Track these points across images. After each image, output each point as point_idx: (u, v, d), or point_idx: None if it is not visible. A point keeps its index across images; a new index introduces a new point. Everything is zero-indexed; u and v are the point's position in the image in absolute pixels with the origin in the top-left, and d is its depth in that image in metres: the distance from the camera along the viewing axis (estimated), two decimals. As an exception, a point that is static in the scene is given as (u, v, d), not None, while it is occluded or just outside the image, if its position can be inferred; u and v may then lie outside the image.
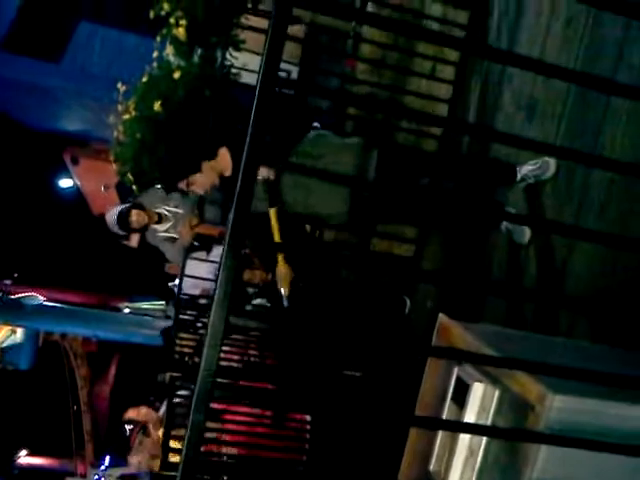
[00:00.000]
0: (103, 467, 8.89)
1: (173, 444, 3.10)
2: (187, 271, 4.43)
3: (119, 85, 5.18)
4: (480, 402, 1.46)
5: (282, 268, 3.09)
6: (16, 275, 10.29)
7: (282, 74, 6.22)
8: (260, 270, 4.51)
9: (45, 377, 9.68)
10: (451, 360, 1.59)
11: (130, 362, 10.38)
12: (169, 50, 4.82)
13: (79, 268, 11.57)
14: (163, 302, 8.69)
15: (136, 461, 3.70)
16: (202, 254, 4.51)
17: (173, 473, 2.99)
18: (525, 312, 3.13)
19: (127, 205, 4.19)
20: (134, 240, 4.35)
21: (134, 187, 4.95)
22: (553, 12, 3.21)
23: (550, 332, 2.73)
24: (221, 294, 1.08)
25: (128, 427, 3.56)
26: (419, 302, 4.27)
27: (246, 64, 4.75)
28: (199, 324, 4.33)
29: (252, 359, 4.24)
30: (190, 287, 4.72)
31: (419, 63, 4.63)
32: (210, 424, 3.39)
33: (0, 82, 9.69)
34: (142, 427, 3.61)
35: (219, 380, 1.13)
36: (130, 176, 4.91)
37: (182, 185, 3.11)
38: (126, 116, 4.91)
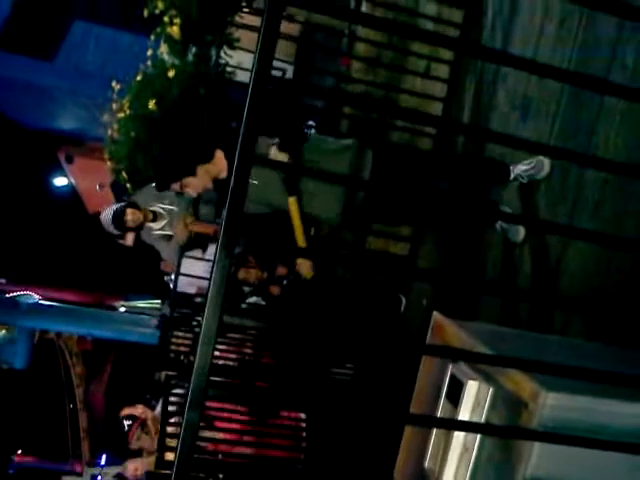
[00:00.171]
0: (100, 466, 8.89)
1: (169, 442, 3.10)
2: (182, 269, 4.42)
3: (113, 83, 5.16)
4: (474, 400, 1.47)
5: (304, 259, 3.08)
6: (11, 274, 10.26)
7: (277, 73, 6.22)
8: (255, 269, 4.51)
9: (40, 376, 9.66)
10: (445, 358, 1.60)
11: (126, 361, 10.37)
12: (163, 49, 4.82)
13: (74, 267, 11.55)
14: (159, 301, 8.68)
15: (132, 467, 3.70)
16: (197, 252, 4.50)
17: (168, 472, 2.99)
18: (520, 311, 3.14)
19: (122, 204, 4.19)
20: (129, 239, 4.34)
21: (128, 185, 4.94)
22: (547, 12, 3.21)
23: (544, 330, 2.75)
24: (215, 292, 1.08)
25: (127, 422, 3.55)
26: (414, 301, 4.28)
27: (241, 62, 4.75)
28: (194, 322, 4.33)
29: (247, 358, 4.24)
30: (185, 285, 4.71)
31: (414, 62, 4.64)
32: (205, 423, 3.39)
33: (-6, 80, 9.66)
34: (141, 423, 3.60)
35: (214, 378, 1.13)
36: (125, 174, 4.90)
37: (176, 187, 3.10)
38: (120, 114, 4.91)
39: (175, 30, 4.66)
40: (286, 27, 5.48)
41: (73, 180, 12.78)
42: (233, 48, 4.88)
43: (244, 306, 4.57)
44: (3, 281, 9.87)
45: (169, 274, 5.03)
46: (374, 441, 3.13)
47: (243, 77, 4.75)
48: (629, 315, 2.41)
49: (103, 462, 9.15)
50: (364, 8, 5.89)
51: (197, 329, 4.10)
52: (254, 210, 3.00)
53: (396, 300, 4.34)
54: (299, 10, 5.60)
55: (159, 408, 3.89)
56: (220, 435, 3.40)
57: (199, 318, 4.21)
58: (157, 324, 4.84)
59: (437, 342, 1.69)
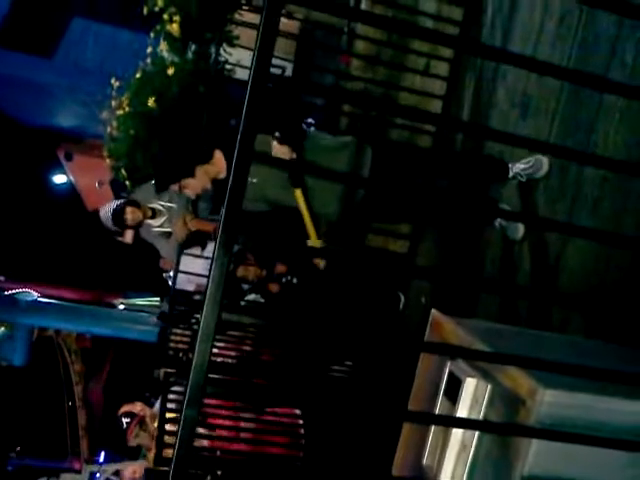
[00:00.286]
0: (98, 463, 8.89)
1: (167, 439, 3.10)
2: (181, 267, 4.42)
3: (113, 81, 5.16)
4: (472, 397, 1.47)
5: (316, 243, 3.07)
6: (10, 271, 10.25)
7: (277, 70, 6.21)
8: (254, 266, 4.51)
9: (39, 373, 9.66)
10: (443, 355, 1.60)
11: (125, 358, 10.37)
12: (163, 46, 4.81)
13: (73, 264, 11.55)
14: (158, 298, 8.68)
15: (131, 470, 3.70)
16: (196, 250, 4.50)
17: (167, 468, 2.99)
18: (519, 308, 3.14)
19: (121, 202, 4.18)
20: (128, 236, 4.35)
21: (128, 183, 4.94)
22: (546, 9, 3.21)
23: (543, 328, 2.75)
24: (213, 289, 1.08)
25: (125, 420, 3.55)
26: (413, 298, 4.29)
27: (240, 60, 4.74)
28: (193, 320, 4.33)
29: (246, 355, 4.25)
30: (184, 283, 4.71)
31: (413, 59, 4.64)
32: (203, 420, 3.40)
33: (-7, 78, 9.64)
34: (140, 421, 3.61)
35: (212, 376, 1.13)
36: (124, 172, 4.90)
37: (175, 188, 3.11)
38: (120, 112, 4.90)
39: (174, 27, 4.66)
40: (285, 25, 5.48)
41: (72, 177, 12.77)
42: (232, 46, 4.87)
43: (243, 304, 4.58)
44: (2, 278, 9.86)
45: (168, 271, 5.03)
46: (372, 438, 3.14)
47: (242, 75, 4.74)
48: (628, 313, 2.41)
49: (102, 459, 9.15)
50: (363, 5, 5.89)
51: (196, 326, 4.10)
52: (253, 208, 3.00)
53: (395, 298, 4.35)
54: (298, 7, 5.60)
55: (158, 405, 3.89)
56: (218, 432, 3.40)
57: (198, 315, 4.21)
58: (158, 319, 4.84)
59: (435, 339, 1.69)
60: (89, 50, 10.10)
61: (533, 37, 3.29)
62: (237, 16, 4.84)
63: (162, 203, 4.19)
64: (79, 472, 8.94)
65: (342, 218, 3.13)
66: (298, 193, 2.91)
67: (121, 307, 9.94)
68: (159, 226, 4.23)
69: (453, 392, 1.51)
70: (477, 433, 1.45)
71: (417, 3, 4.87)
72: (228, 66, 4.95)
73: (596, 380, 1.29)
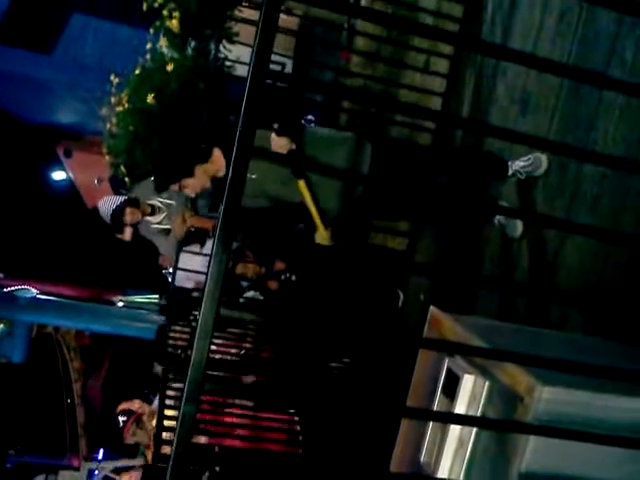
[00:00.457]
0: (97, 460, 8.90)
1: (165, 436, 3.11)
2: (180, 264, 4.42)
3: (112, 77, 5.15)
4: (470, 393, 1.47)
5: (323, 233, 3.06)
6: (9, 268, 10.25)
7: (276, 67, 6.20)
8: (253, 264, 4.51)
9: (38, 370, 9.66)
10: (442, 352, 1.60)
11: (123, 355, 10.38)
12: (162, 42, 4.81)
13: (73, 261, 11.54)
14: (157, 295, 8.68)
15: (127, 478, 3.71)
16: (195, 247, 4.50)
17: (165, 465, 2.98)
18: (517, 305, 3.14)
19: (121, 202, 4.16)
20: (127, 233, 4.34)
21: (127, 179, 4.94)
22: (546, 6, 3.21)
23: (542, 325, 2.75)
24: (212, 286, 1.08)
25: (122, 418, 3.55)
26: (412, 295, 4.29)
27: (239, 57, 4.73)
28: (191, 317, 4.33)
29: (246, 352, 4.25)
30: (183, 280, 4.71)
31: (413, 56, 4.63)
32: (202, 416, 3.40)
33: (-8, 74, 9.63)
34: (136, 419, 3.61)
35: (211, 373, 1.13)
36: (123, 168, 4.90)
37: (175, 188, 3.10)
38: (119, 108, 4.90)
39: (174, 24, 4.65)
40: (285, 21, 5.47)
41: (71, 174, 12.76)
42: (232, 42, 4.86)
43: (242, 301, 4.58)
44: (1, 275, 9.85)
45: (167, 268, 5.03)
46: (371, 435, 3.14)
47: (242, 71, 4.73)
48: (627, 310, 2.42)
49: (100, 457, 9.16)
50: (363, 2, 5.88)
51: (194, 323, 4.10)
52: (252, 205, 2.99)
53: (394, 295, 4.35)
54: (298, 4, 5.59)
55: (157, 402, 3.90)
56: (215, 429, 3.41)
57: (196, 312, 4.21)
58: (160, 311, 4.84)
59: (434, 336, 1.69)
60: (88, 46, 10.09)
61: (533, 34, 3.28)
62: (237, 12, 4.84)
63: (161, 200, 4.18)
64: (78, 469, 8.95)
65: (342, 214, 3.12)
66: (301, 184, 2.88)
67: (120, 304, 9.94)
68: (158, 223, 4.22)
69: (451, 389, 1.51)
70: (475, 430, 1.45)
71: (417, 0, 4.86)
72: (228, 63, 4.95)
73: (594, 377, 1.29)
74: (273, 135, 2.76)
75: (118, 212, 4.08)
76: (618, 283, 2.53)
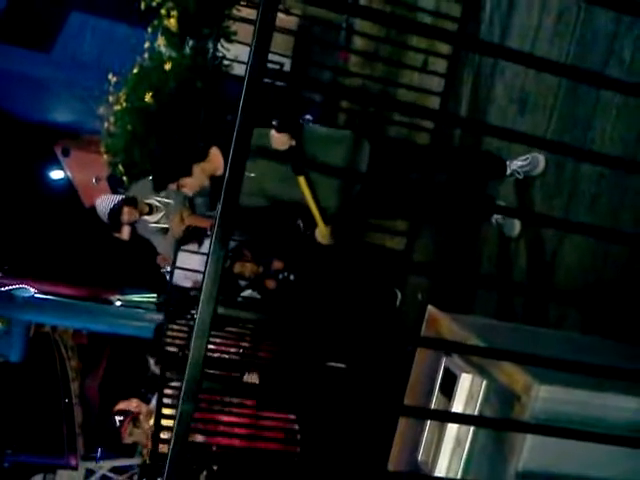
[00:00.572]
0: (95, 460, 8.89)
1: (163, 435, 3.11)
2: (178, 263, 4.42)
3: (110, 76, 5.14)
4: (467, 392, 1.47)
5: (323, 230, 3.06)
6: (6, 267, 10.23)
7: (275, 66, 6.20)
8: (251, 263, 4.51)
9: (36, 369, 9.65)
10: (439, 351, 1.60)
11: (121, 354, 10.36)
12: (160, 41, 4.80)
13: (70, 260, 11.52)
14: (155, 295, 8.67)
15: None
16: (193, 246, 4.50)
17: (162, 463, 2.98)
18: (515, 304, 3.15)
19: (119, 201, 4.16)
20: (125, 232, 4.33)
21: (125, 178, 4.93)
22: (545, 6, 3.21)
23: (540, 324, 2.75)
24: (209, 285, 1.08)
25: (118, 418, 3.55)
26: (410, 295, 4.29)
27: (238, 56, 4.73)
28: (188, 316, 4.33)
29: (244, 351, 4.25)
30: (181, 279, 4.71)
31: (411, 56, 4.63)
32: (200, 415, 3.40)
33: (-10, 72, 9.61)
34: (133, 418, 3.61)
35: (209, 371, 1.13)
36: (121, 167, 4.89)
37: (173, 187, 3.10)
38: (117, 107, 4.89)
39: (172, 23, 4.65)
40: (283, 20, 5.47)
41: (69, 173, 12.74)
42: (230, 41, 4.86)
43: (239, 300, 4.58)
44: (-1, 274, 9.84)
45: (165, 267, 5.03)
46: (369, 433, 3.14)
47: (240, 70, 4.72)
48: (625, 309, 2.42)
49: (98, 456, 9.15)
50: (362, 1, 5.88)
51: (192, 322, 4.10)
52: (250, 203, 2.99)
53: (392, 294, 4.35)
54: (296, 3, 5.58)
55: (154, 402, 3.90)
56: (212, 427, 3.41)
57: (194, 311, 4.21)
58: (159, 307, 4.84)
59: (431, 335, 1.69)
60: (87, 44, 10.08)
61: (531, 34, 3.29)
62: (235, 12, 4.83)
63: (159, 199, 4.18)
64: (75, 469, 8.94)
65: (341, 212, 3.12)
66: (301, 181, 2.88)
67: (118, 303, 9.93)
68: (156, 222, 4.22)
69: (449, 388, 1.51)
70: (472, 428, 1.45)
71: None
72: (226, 62, 4.94)
73: (592, 376, 1.29)
74: (273, 132, 2.75)
75: (116, 211, 4.07)
76: (616, 282, 2.53)
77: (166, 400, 3.38)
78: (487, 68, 3.74)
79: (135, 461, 7.58)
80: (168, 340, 4.15)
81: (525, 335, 1.86)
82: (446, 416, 1.48)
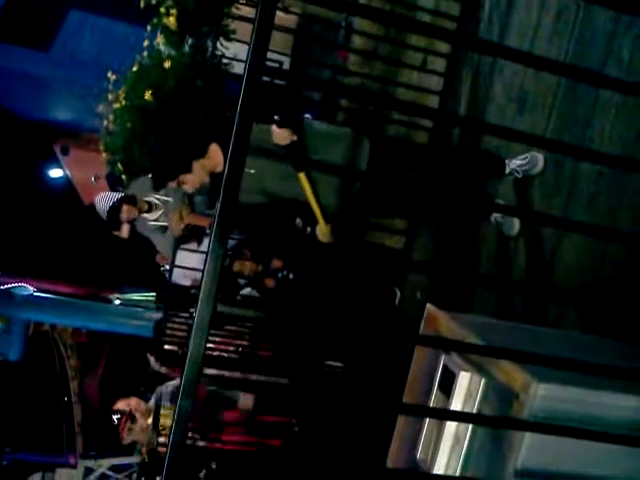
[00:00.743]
0: (94, 458, 8.90)
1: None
2: (177, 262, 4.42)
3: (109, 74, 5.14)
4: (466, 390, 1.47)
5: (323, 228, 3.05)
6: (6, 265, 10.22)
7: (274, 65, 6.20)
8: (250, 261, 4.51)
9: (35, 368, 9.65)
10: (438, 349, 1.60)
11: (120, 353, 10.36)
12: (160, 39, 4.79)
13: (70, 259, 11.52)
14: (154, 293, 8.67)
15: None
16: (193, 245, 4.50)
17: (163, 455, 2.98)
18: (514, 303, 3.15)
19: (118, 198, 4.15)
20: (124, 231, 4.33)
21: (124, 177, 4.92)
22: (544, 5, 3.21)
23: (539, 323, 2.76)
24: (208, 283, 1.08)
25: (115, 417, 3.56)
26: (409, 294, 4.29)
27: (237, 54, 4.73)
28: (187, 314, 4.33)
29: (243, 349, 4.26)
30: (180, 278, 4.71)
31: (411, 55, 4.64)
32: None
33: (-11, 71, 9.61)
34: (130, 416, 3.61)
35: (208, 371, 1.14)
36: (120, 166, 4.88)
37: (173, 184, 3.10)
38: (116, 105, 4.88)
39: (171, 21, 4.64)
40: (282, 19, 5.46)
41: (68, 172, 12.73)
42: (229, 40, 4.85)
43: (238, 298, 4.58)
44: (-2, 273, 9.83)
45: (164, 266, 5.03)
46: (367, 432, 3.15)
47: (240, 69, 4.71)
48: (624, 308, 2.42)
49: (97, 455, 9.15)
50: (361, 1, 5.87)
51: (191, 320, 4.10)
52: (250, 201, 2.98)
53: (391, 293, 4.35)
54: (295, 1, 5.58)
55: (153, 400, 3.90)
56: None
57: (193, 310, 4.21)
58: (155, 324, 4.85)
59: (430, 333, 1.70)
60: (86, 43, 10.07)
61: (530, 33, 3.29)
62: (234, 10, 4.83)
63: (158, 197, 4.18)
64: (75, 467, 8.94)
65: (341, 210, 3.12)
66: (302, 177, 2.87)
67: (117, 302, 9.93)
68: (155, 220, 4.21)
69: (447, 386, 1.51)
70: (471, 426, 1.46)
71: (415, -2, 4.86)
72: (225, 60, 4.94)
73: (590, 375, 1.30)
74: (274, 127, 2.75)
75: (115, 209, 4.07)
76: (615, 281, 2.53)
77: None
78: (486, 67, 3.74)
79: (134, 459, 7.58)
80: (167, 338, 4.16)
81: (524, 334, 1.86)
82: (445, 414, 1.48)
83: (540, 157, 3.01)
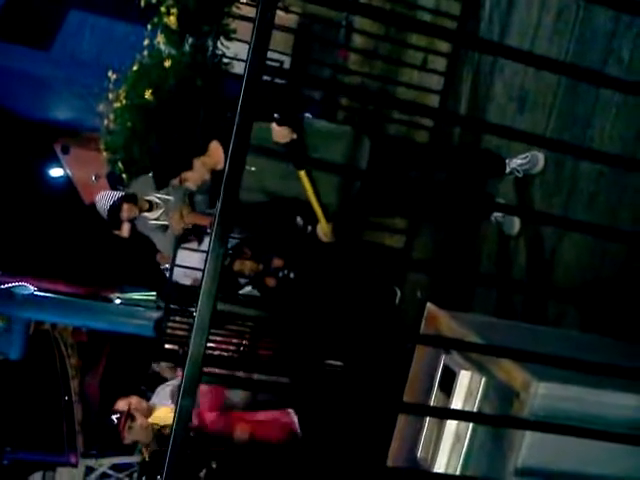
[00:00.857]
0: (95, 457, 8.89)
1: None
2: (178, 261, 4.42)
3: (110, 73, 5.14)
4: (466, 389, 1.48)
5: (324, 227, 3.05)
6: (6, 265, 10.22)
7: (274, 64, 6.20)
8: (251, 261, 4.51)
9: (35, 367, 9.66)
10: (438, 348, 1.60)
11: (121, 352, 10.36)
12: (160, 38, 4.79)
13: (70, 258, 11.53)
14: (154, 293, 8.66)
15: None
16: (193, 244, 4.50)
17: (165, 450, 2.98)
18: (514, 302, 3.15)
19: (118, 197, 4.15)
20: (125, 230, 4.33)
21: (124, 176, 4.93)
22: (544, 4, 3.21)
23: (539, 322, 2.76)
24: (208, 282, 1.08)
25: (115, 416, 3.56)
26: (409, 293, 4.30)
27: (237, 54, 4.73)
28: (189, 313, 4.33)
29: (244, 348, 4.26)
30: (181, 277, 4.71)
31: (411, 54, 4.64)
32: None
33: (-11, 70, 9.61)
34: (129, 415, 3.61)
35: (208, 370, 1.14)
36: (120, 165, 4.89)
37: (175, 183, 3.11)
38: (117, 104, 4.88)
39: (172, 20, 4.64)
40: (283, 18, 5.46)
41: (69, 171, 12.74)
42: (230, 39, 4.85)
43: (239, 297, 4.58)
44: (-2, 272, 9.83)
45: (165, 265, 5.03)
46: (368, 430, 3.15)
47: (240, 68, 4.72)
48: (624, 307, 2.42)
49: (98, 454, 9.15)
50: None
51: (192, 319, 4.10)
52: (250, 199, 2.99)
53: (391, 292, 4.35)
54: (295, 1, 5.58)
55: (154, 399, 3.90)
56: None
57: (194, 309, 4.21)
58: (155, 322, 4.85)
59: (430, 332, 1.70)
60: (86, 42, 10.07)
61: (531, 32, 3.29)
62: (234, 9, 4.83)
63: (159, 196, 4.18)
64: (75, 466, 8.93)
65: (341, 209, 3.12)
66: (302, 175, 2.87)
67: (117, 301, 9.93)
68: (156, 219, 4.21)
69: (448, 385, 1.51)
70: (471, 425, 1.46)
71: (415, -3, 4.86)
72: (225, 59, 4.94)
73: (590, 374, 1.30)
74: (274, 125, 2.75)
75: (115, 208, 4.07)
76: (615, 280, 2.53)
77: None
78: (486, 66, 3.74)
79: (135, 459, 7.58)
80: (168, 338, 4.16)
81: (524, 333, 1.87)
82: (445, 413, 1.48)
83: (540, 156, 3.01)
